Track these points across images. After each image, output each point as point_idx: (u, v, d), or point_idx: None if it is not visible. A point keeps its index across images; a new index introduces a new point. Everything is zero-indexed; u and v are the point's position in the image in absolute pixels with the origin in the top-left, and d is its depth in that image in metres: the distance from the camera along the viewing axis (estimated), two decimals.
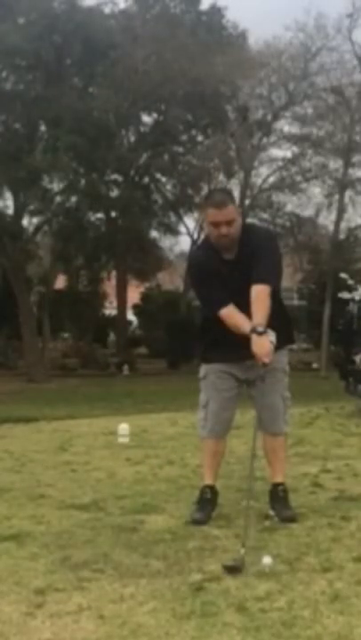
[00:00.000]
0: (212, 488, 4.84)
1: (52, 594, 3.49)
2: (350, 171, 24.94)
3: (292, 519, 4.63)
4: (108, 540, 4.29)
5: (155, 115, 26.55)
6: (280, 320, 4.63)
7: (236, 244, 4.60)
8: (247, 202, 25.18)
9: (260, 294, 4.44)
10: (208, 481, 4.87)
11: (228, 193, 5.11)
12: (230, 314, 4.54)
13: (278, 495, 4.83)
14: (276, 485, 4.88)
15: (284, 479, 4.93)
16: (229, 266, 4.61)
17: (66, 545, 4.23)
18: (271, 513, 4.75)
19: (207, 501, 4.79)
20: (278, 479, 4.89)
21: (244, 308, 4.47)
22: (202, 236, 28.72)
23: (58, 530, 4.55)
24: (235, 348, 4.56)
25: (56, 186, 25.02)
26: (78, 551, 4.11)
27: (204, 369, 4.98)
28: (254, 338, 4.34)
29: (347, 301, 13.26)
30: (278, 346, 4.54)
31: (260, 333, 4.34)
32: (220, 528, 4.51)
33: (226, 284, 4.57)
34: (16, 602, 3.41)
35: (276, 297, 4.62)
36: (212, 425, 4.92)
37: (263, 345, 4.35)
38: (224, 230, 4.52)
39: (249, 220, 4.30)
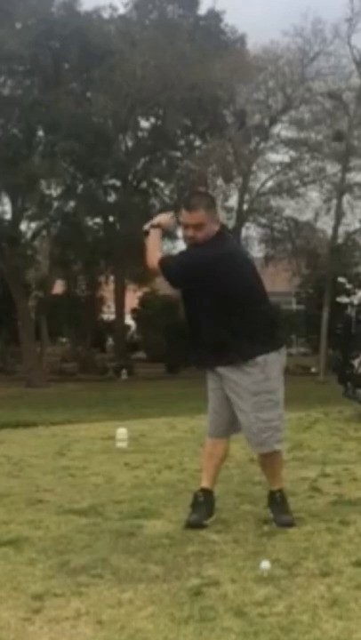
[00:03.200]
0: (205, 491, 4.82)
1: (50, 599, 3.49)
2: (348, 175, 24.96)
3: (290, 524, 4.62)
4: (107, 545, 4.29)
5: (153, 120, 26.57)
6: (226, 335, 4.65)
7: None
8: (245, 206, 25.19)
9: (159, 254, 4.92)
10: (202, 484, 4.86)
11: (207, 197, 5.14)
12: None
13: (276, 500, 4.83)
14: (273, 492, 4.87)
15: (281, 486, 4.91)
16: (189, 248, 4.83)
17: (64, 550, 4.22)
18: (272, 516, 4.75)
19: (200, 504, 4.76)
20: (273, 487, 4.89)
21: (202, 321, 4.69)
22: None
23: (56, 535, 4.54)
24: (199, 352, 4.82)
25: (54, 191, 25.03)
26: (76, 556, 4.10)
27: (208, 379, 5.01)
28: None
29: (345, 305, 13.28)
30: (219, 361, 4.70)
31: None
32: (219, 533, 4.50)
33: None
34: (14, 607, 3.41)
35: (240, 309, 4.64)
36: (210, 423, 4.95)
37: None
38: (190, 232, 4.68)
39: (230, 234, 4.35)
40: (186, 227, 4.69)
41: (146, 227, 4.98)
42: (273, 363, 4.67)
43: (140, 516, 4.92)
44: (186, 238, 4.74)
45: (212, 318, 4.64)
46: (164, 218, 4.99)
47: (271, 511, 4.79)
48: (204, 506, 4.76)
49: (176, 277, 4.79)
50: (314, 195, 26.23)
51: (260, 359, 4.62)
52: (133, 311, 33.25)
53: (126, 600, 3.45)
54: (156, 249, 4.85)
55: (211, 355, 4.74)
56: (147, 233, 4.92)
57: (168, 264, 4.76)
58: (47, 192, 24.63)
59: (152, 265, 4.78)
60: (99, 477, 6.38)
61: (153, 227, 4.90)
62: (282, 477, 4.98)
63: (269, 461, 4.85)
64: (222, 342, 4.64)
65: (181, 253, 5.01)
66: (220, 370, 4.73)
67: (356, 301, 12.70)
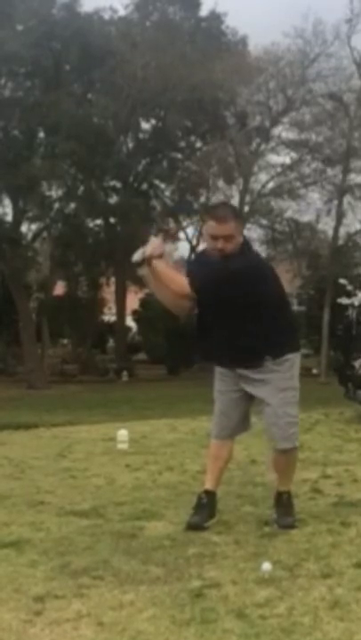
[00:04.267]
0: (208, 493, 4.82)
1: (51, 601, 3.49)
2: (349, 176, 24.96)
3: (291, 526, 4.62)
4: (108, 547, 4.29)
5: (153, 121, 26.58)
6: (255, 339, 4.70)
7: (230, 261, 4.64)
8: (246, 208, 25.20)
9: (178, 274, 4.72)
10: (206, 485, 4.87)
11: (233, 209, 5.21)
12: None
13: (282, 501, 4.84)
14: (280, 493, 4.89)
15: (290, 487, 4.93)
16: (215, 264, 4.66)
17: (65, 552, 4.22)
18: (274, 516, 4.75)
19: (202, 506, 4.77)
20: (281, 488, 4.91)
21: (229, 327, 4.66)
22: (201, 242, 28.85)
23: (57, 536, 4.54)
24: (223, 355, 4.76)
25: (55, 192, 25.06)
26: (78, 558, 4.10)
27: (216, 380, 4.97)
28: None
29: (346, 307, 13.26)
30: (249, 364, 4.72)
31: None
32: (220, 534, 4.50)
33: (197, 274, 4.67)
34: (15, 609, 3.41)
35: (255, 316, 4.65)
36: (215, 425, 4.94)
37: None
38: (220, 244, 4.59)
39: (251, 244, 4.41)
40: (215, 238, 4.60)
41: (137, 258, 4.64)
42: (297, 363, 4.87)
43: (141, 518, 4.92)
44: (214, 250, 4.61)
45: (245, 325, 4.65)
46: (156, 247, 4.64)
47: (275, 511, 4.80)
48: (206, 508, 4.77)
49: (208, 291, 4.63)
50: (315, 196, 26.27)
51: (288, 357, 4.80)
52: (134, 313, 33.25)
53: (127, 602, 3.45)
54: (173, 274, 4.65)
55: (240, 358, 4.74)
56: (140, 264, 4.66)
57: (195, 282, 4.62)
58: (48, 193, 24.66)
59: (183, 290, 4.59)
60: (100, 479, 6.38)
61: (151, 258, 4.60)
62: (292, 479, 5.00)
63: (287, 459, 4.88)
64: (253, 346, 4.71)
65: (213, 267, 4.67)
66: (244, 372, 4.75)
67: (357, 303, 12.69)
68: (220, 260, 4.60)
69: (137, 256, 4.63)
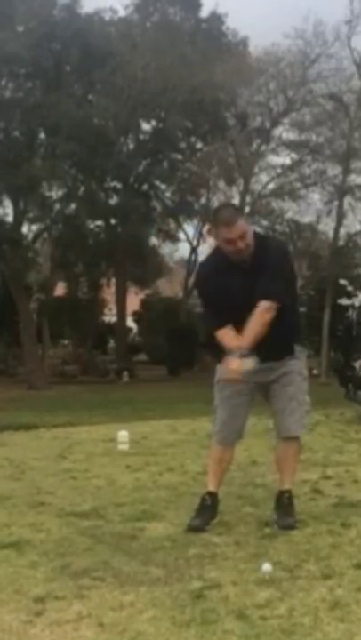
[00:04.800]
0: (212, 495, 4.83)
1: (51, 602, 3.49)
2: (349, 177, 24.96)
3: (291, 527, 4.62)
4: (108, 548, 4.29)
5: (154, 122, 26.58)
6: (286, 332, 4.74)
7: (252, 253, 4.64)
8: (247, 209, 25.20)
9: (258, 311, 4.50)
10: (210, 487, 4.86)
11: (235, 207, 5.27)
12: (222, 336, 4.62)
13: (283, 502, 4.83)
14: (282, 492, 4.87)
15: (291, 487, 4.93)
16: (245, 276, 4.60)
17: (66, 553, 4.22)
18: (274, 517, 4.74)
19: (207, 508, 4.78)
20: (285, 486, 4.89)
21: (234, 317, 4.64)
22: (201, 243, 28.87)
23: (58, 537, 4.54)
24: (258, 351, 4.62)
25: (55, 193, 25.07)
26: (78, 559, 4.10)
27: (218, 372, 4.90)
28: (230, 357, 4.48)
29: (346, 307, 13.27)
30: (280, 357, 4.78)
31: (242, 356, 4.44)
32: (220, 535, 4.50)
33: (235, 296, 4.57)
34: (16, 610, 3.41)
35: (286, 310, 4.64)
36: (220, 432, 4.92)
37: (231, 364, 4.47)
38: (240, 245, 4.58)
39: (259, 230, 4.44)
40: (232, 242, 4.58)
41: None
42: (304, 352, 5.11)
43: (141, 519, 4.92)
44: (237, 252, 4.59)
45: (279, 315, 4.60)
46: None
47: (276, 512, 4.79)
48: (209, 510, 4.77)
49: (244, 291, 4.58)
50: (315, 197, 26.27)
51: (300, 348, 5.00)
52: (135, 313, 33.28)
53: (128, 603, 3.46)
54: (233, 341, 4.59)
55: (274, 350, 4.72)
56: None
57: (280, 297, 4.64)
58: (48, 194, 24.67)
59: (272, 311, 4.54)
60: (100, 480, 6.38)
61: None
62: (294, 476, 5.03)
63: (296, 449, 4.95)
64: (286, 336, 4.79)
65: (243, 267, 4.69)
66: (271, 364, 4.76)
67: (357, 303, 12.71)
68: (247, 257, 4.61)
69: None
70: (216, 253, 4.83)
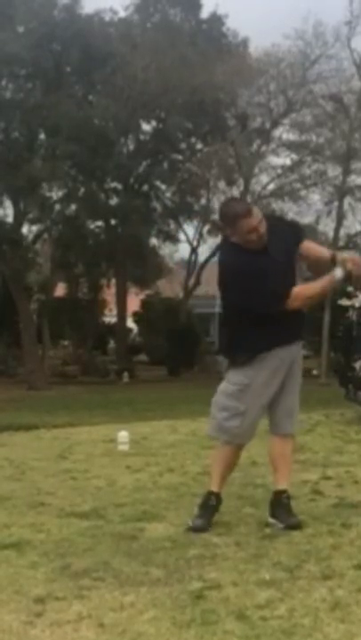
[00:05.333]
0: (217, 496, 4.80)
1: (51, 602, 3.49)
2: (349, 178, 24.98)
3: (298, 526, 4.61)
4: (108, 548, 4.29)
5: (154, 123, 26.61)
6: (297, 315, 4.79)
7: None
8: None
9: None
10: (216, 488, 4.81)
11: (240, 198, 5.27)
12: (301, 290, 4.73)
13: (282, 502, 4.78)
14: (280, 493, 4.82)
15: (288, 485, 4.92)
16: (267, 257, 4.65)
17: (66, 553, 4.22)
18: (272, 521, 4.72)
19: (210, 508, 4.75)
20: (283, 486, 4.84)
21: (290, 287, 4.67)
22: (202, 244, 28.90)
23: (58, 538, 4.54)
24: (284, 332, 4.75)
25: (55, 194, 25.10)
26: (78, 559, 4.10)
27: (247, 374, 4.72)
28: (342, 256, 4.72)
29: (346, 308, 13.26)
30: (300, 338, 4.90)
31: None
32: (220, 536, 4.49)
33: (271, 277, 4.63)
34: (16, 610, 3.41)
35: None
36: (244, 434, 4.78)
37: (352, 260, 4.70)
38: (261, 229, 4.63)
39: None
40: (253, 230, 4.60)
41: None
42: None
43: (141, 519, 4.91)
44: (259, 238, 4.61)
45: None
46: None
47: (275, 515, 4.74)
48: (212, 510, 4.75)
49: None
50: (315, 197, 26.29)
51: None
52: (135, 314, 33.29)
53: (128, 603, 3.45)
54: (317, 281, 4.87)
55: (296, 334, 4.88)
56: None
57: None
58: (48, 195, 24.70)
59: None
60: (100, 480, 6.38)
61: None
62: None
63: (289, 449, 4.94)
64: (303, 317, 4.92)
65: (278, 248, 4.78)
66: (295, 349, 4.86)
67: (357, 304, 12.70)
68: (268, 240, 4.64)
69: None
70: (234, 247, 4.74)
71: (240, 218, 4.63)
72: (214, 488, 4.82)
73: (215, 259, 24.31)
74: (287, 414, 4.85)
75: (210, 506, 4.76)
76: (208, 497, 4.80)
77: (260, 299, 4.63)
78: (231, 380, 4.77)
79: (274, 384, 4.75)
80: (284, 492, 4.82)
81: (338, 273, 4.69)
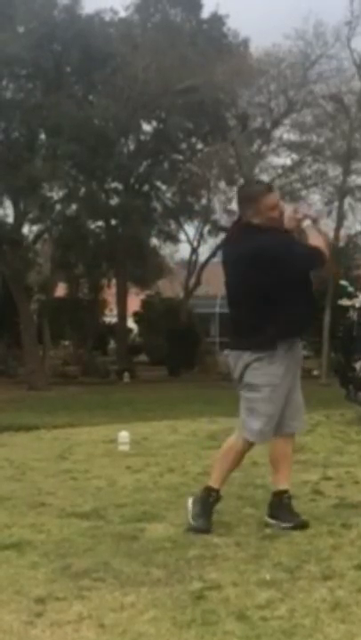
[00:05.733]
0: (218, 493, 4.77)
1: (52, 603, 3.49)
2: (349, 178, 24.98)
3: (306, 525, 4.60)
4: (109, 549, 4.29)
5: (155, 123, 26.62)
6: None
7: None
8: None
9: None
10: (218, 485, 4.77)
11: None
12: (314, 245, 4.78)
13: (284, 502, 4.76)
14: (282, 493, 4.80)
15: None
16: (289, 235, 4.81)
17: (66, 553, 4.22)
18: (272, 522, 4.71)
19: (211, 506, 4.70)
20: (285, 486, 4.82)
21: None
22: (202, 244, 28.90)
23: (58, 538, 4.54)
24: (300, 321, 4.87)
25: (56, 194, 25.10)
26: (79, 560, 4.10)
27: (273, 374, 4.63)
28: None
29: (347, 308, 13.24)
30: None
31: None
32: (221, 536, 4.49)
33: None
34: (16, 611, 3.41)
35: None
36: (266, 429, 4.70)
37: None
38: (282, 205, 4.80)
39: None
40: (275, 207, 4.71)
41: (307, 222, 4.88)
42: None
43: (142, 520, 4.91)
44: (276, 219, 4.68)
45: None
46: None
47: (277, 515, 4.69)
48: (212, 508, 4.72)
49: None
50: (315, 197, 26.29)
51: None
52: (135, 314, 33.28)
53: (128, 604, 3.45)
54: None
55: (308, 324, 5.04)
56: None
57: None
58: (49, 195, 24.70)
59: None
60: (101, 480, 6.38)
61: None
62: None
63: (291, 447, 4.93)
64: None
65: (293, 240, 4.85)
66: (300, 345, 4.92)
67: (357, 304, 12.65)
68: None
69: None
70: (260, 229, 4.69)
71: (263, 194, 4.71)
72: (216, 485, 4.78)
73: (216, 259, 24.34)
74: (298, 411, 4.84)
75: (209, 503, 4.72)
76: (208, 494, 4.75)
77: (306, 262, 4.79)
78: (260, 384, 4.63)
79: (290, 380, 4.76)
80: (285, 492, 4.82)
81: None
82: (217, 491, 4.77)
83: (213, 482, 4.80)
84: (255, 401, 4.66)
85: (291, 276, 4.65)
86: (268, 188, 4.84)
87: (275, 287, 4.60)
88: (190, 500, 4.77)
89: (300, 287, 4.77)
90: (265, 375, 4.63)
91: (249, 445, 4.79)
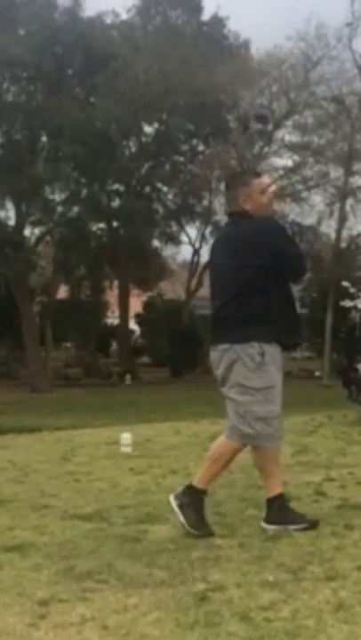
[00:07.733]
0: (206, 494, 4.72)
1: (55, 604, 3.49)
2: (351, 179, 24.98)
3: (317, 524, 4.59)
4: (112, 551, 4.28)
5: (156, 125, 26.64)
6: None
7: None
8: None
9: None
10: (206, 486, 4.71)
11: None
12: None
13: (285, 504, 4.75)
14: (282, 495, 4.77)
15: None
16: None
17: (69, 555, 4.22)
18: (281, 527, 4.66)
19: (203, 508, 4.65)
20: (281, 488, 4.81)
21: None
22: (204, 245, 28.88)
23: (61, 540, 4.54)
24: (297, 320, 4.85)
25: (58, 196, 25.12)
26: (82, 561, 4.10)
27: (266, 375, 4.54)
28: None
29: (349, 309, 13.25)
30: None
31: None
32: (224, 537, 4.49)
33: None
34: (20, 613, 3.41)
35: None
36: (277, 432, 4.69)
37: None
38: (271, 193, 4.83)
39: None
40: (265, 190, 4.71)
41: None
42: None
43: (145, 521, 4.91)
44: (266, 205, 4.70)
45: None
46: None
47: (282, 519, 4.62)
48: (203, 510, 4.69)
49: None
50: (317, 199, 26.31)
51: None
52: (137, 316, 33.30)
53: (132, 605, 3.45)
54: None
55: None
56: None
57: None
58: (51, 197, 24.73)
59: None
60: (103, 482, 6.38)
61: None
62: None
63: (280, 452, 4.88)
64: None
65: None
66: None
67: (360, 305, 12.67)
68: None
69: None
70: (251, 217, 4.64)
71: (253, 176, 4.79)
72: (205, 486, 4.70)
73: None
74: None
75: (202, 506, 4.64)
76: (199, 497, 4.66)
77: (298, 252, 4.79)
78: (254, 387, 4.51)
79: (281, 380, 4.67)
80: (282, 494, 4.77)
81: None
82: (205, 491, 4.71)
83: (203, 483, 4.70)
84: (245, 404, 4.54)
85: (280, 268, 4.57)
86: (257, 172, 4.96)
87: (265, 277, 4.51)
88: (175, 503, 4.66)
89: (287, 286, 4.75)
90: (255, 379, 4.52)
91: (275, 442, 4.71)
